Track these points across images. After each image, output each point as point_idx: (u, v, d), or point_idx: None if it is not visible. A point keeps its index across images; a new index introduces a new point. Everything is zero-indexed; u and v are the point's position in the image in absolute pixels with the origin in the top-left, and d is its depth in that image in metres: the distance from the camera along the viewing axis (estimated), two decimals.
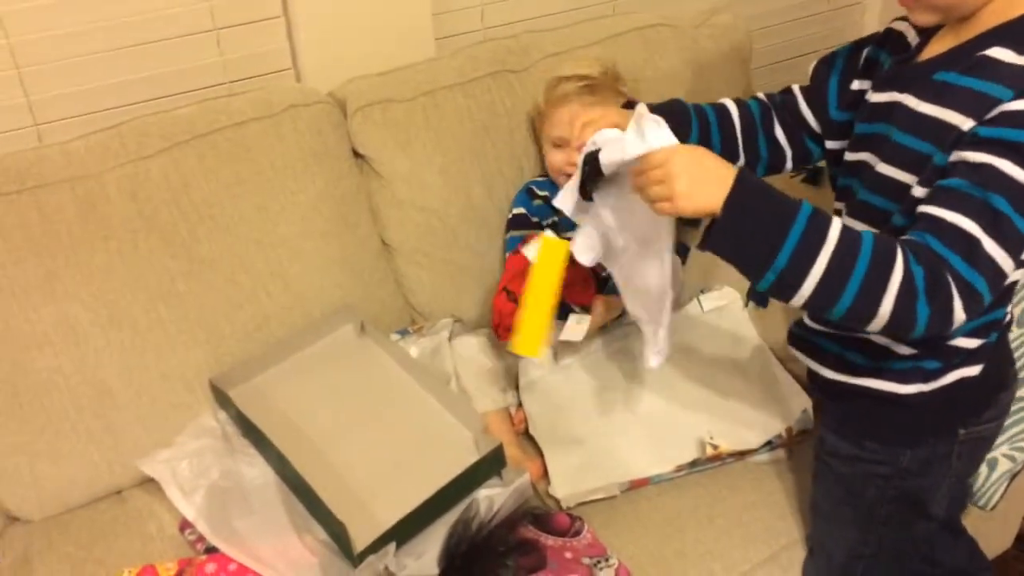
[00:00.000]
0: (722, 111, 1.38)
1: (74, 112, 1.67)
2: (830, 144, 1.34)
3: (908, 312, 1.01)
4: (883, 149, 1.17)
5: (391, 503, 1.32)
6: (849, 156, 1.25)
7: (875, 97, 1.20)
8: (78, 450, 1.46)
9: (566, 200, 1.30)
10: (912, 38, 1.20)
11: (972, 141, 1.03)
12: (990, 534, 1.63)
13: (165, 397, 1.50)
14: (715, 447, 1.51)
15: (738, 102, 1.40)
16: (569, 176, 1.59)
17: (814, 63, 1.38)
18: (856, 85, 1.28)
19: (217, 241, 1.53)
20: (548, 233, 1.35)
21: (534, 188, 1.72)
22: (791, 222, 1.01)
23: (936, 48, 1.14)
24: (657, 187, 1.06)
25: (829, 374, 1.31)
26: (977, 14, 1.08)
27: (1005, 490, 1.50)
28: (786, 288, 1.04)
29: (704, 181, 1.04)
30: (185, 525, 1.40)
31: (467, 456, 1.39)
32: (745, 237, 1.04)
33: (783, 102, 1.39)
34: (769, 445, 1.53)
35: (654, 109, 1.20)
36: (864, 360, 1.26)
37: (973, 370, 1.23)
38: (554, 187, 1.70)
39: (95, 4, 1.61)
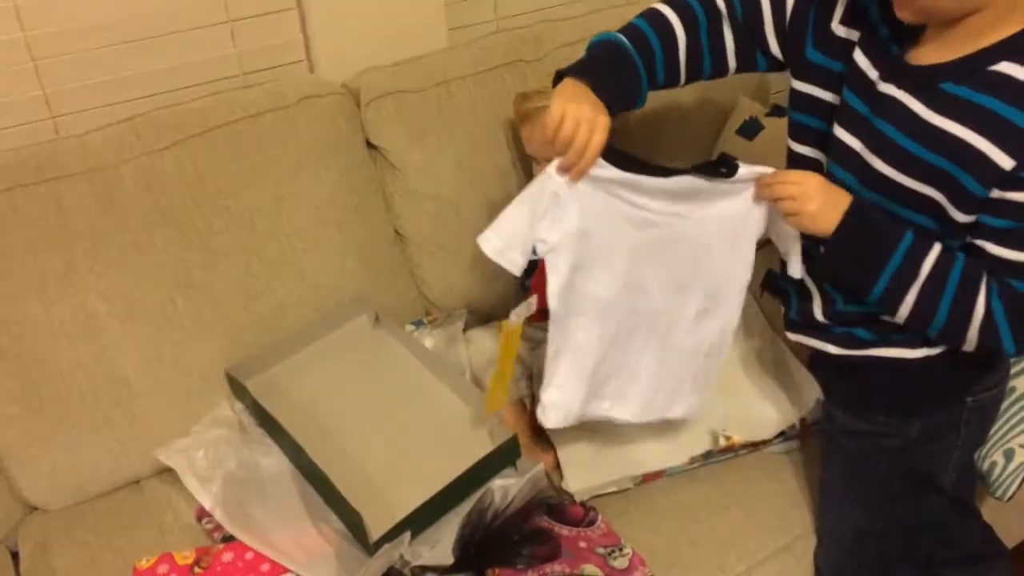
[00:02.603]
0: (668, 40, 1.28)
1: (90, 104, 1.67)
2: (800, 86, 1.27)
3: (993, 340, 1.14)
4: (881, 146, 1.15)
5: (406, 492, 1.33)
6: (838, 133, 1.21)
7: (879, 85, 1.16)
8: (96, 440, 1.48)
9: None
10: None
11: (1017, 180, 1.06)
12: (1008, 524, 1.62)
13: (182, 387, 1.51)
14: (728, 438, 1.51)
15: (687, 22, 1.28)
16: None
17: None
18: (840, 31, 1.21)
19: (233, 232, 1.54)
20: (512, 318, 1.32)
21: None
22: (888, 257, 1.14)
23: (934, 51, 1.11)
24: (790, 202, 1.18)
25: (836, 350, 1.32)
26: (971, 22, 1.06)
27: (1023, 481, 1.49)
28: (887, 312, 1.21)
29: (832, 207, 1.16)
30: (202, 514, 1.41)
31: (482, 446, 1.40)
32: (847, 267, 1.21)
33: (744, 18, 1.28)
34: (783, 436, 1.53)
35: (595, 59, 1.25)
36: (870, 334, 1.27)
37: None
38: None
39: None
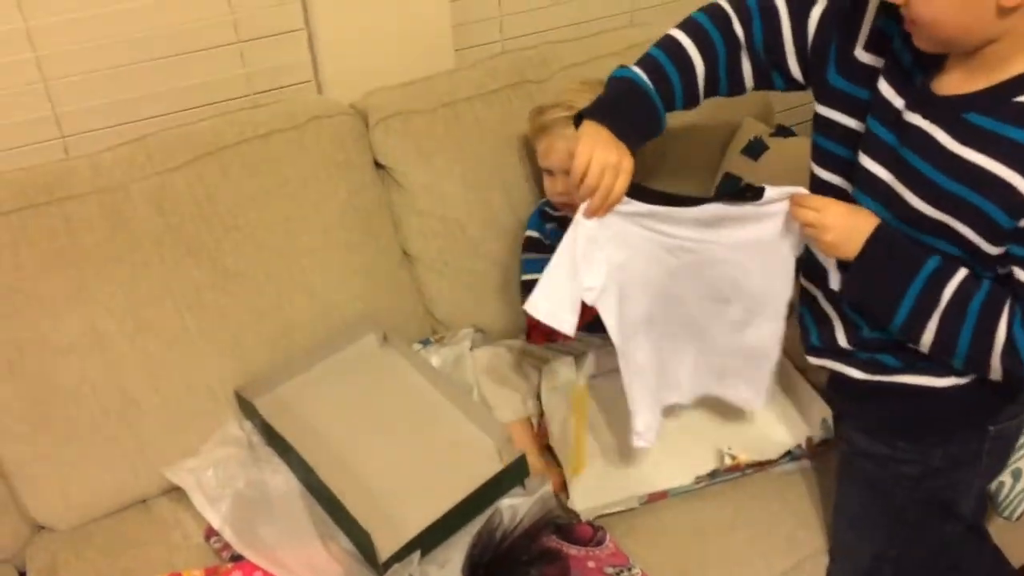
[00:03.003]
0: (686, 69, 1.29)
1: (100, 124, 1.68)
2: (823, 110, 1.26)
3: (1016, 368, 1.13)
4: (909, 177, 1.15)
5: (415, 512, 1.33)
6: (865, 162, 1.20)
7: (904, 114, 1.15)
8: (104, 459, 1.48)
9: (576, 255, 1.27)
10: None
11: None
12: (1013, 545, 1.62)
13: (190, 406, 1.51)
14: (734, 458, 1.51)
15: (705, 50, 1.28)
16: (562, 205, 1.63)
17: (817, 9, 1.24)
18: (864, 58, 1.20)
19: (242, 252, 1.55)
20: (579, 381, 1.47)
21: (547, 209, 1.72)
22: (909, 283, 1.15)
23: (959, 81, 1.11)
24: (810, 228, 1.21)
25: (861, 376, 1.31)
26: (992, 51, 1.07)
27: None
28: (912, 341, 1.20)
29: (849, 238, 1.18)
30: (211, 533, 1.41)
31: (490, 466, 1.40)
32: (869, 294, 1.22)
33: (764, 44, 1.28)
34: (789, 455, 1.53)
35: (614, 99, 1.27)
36: (897, 361, 1.27)
37: None
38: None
39: (121, 17, 1.62)
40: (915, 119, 1.13)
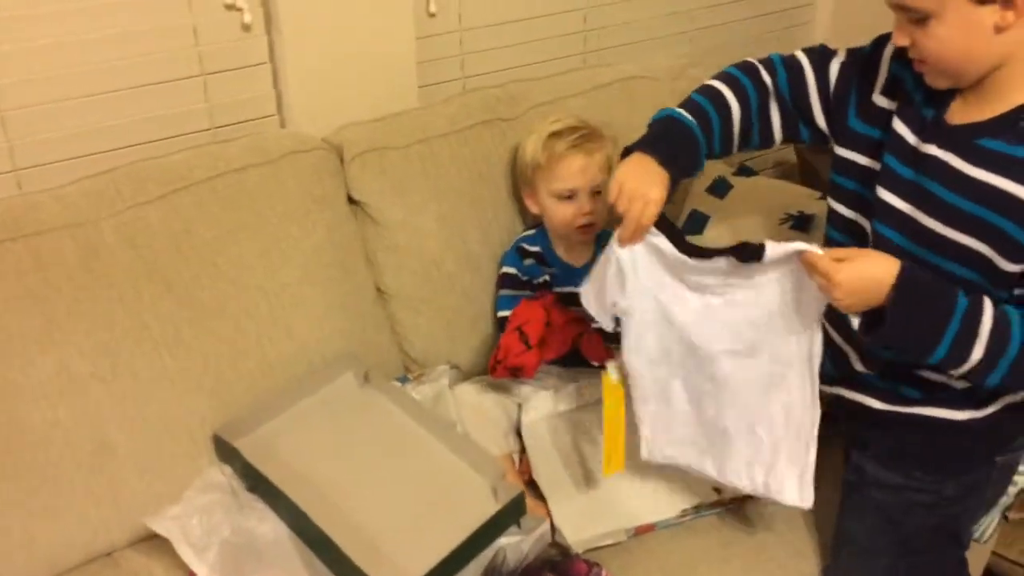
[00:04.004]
0: (725, 114, 1.37)
1: (56, 157, 1.61)
2: (841, 151, 1.36)
3: None
4: (928, 204, 1.22)
5: (415, 555, 1.29)
6: (884, 196, 1.27)
7: (919, 146, 1.24)
8: (75, 508, 1.39)
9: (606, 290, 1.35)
10: None
11: None
12: (974, 563, 1.68)
13: (167, 449, 1.44)
14: (718, 492, 1.53)
15: (739, 95, 1.38)
16: (582, 228, 1.64)
17: (837, 61, 1.36)
18: (881, 102, 1.30)
19: (220, 288, 1.50)
20: (612, 374, 1.42)
21: (525, 246, 1.72)
22: (946, 325, 1.15)
23: (970, 109, 1.20)
24: (824, 292, 1.18)
25: (880, 406, 1.35)
26: (998, 78, 1.16)
27: (998, 522, 1.56)
28: (945, 371, 1.23)
29: (867, 293, 1.16)
30: None
31: (486, 504, 1.38)
32: (904, 344, 1.20)
33: (790, 94, 1.38)
34: None
35: (659, 134, 1.32)
36: (918, 392, 1.31)
37: (1018, 396, 1.31)
38: (546, 240, 1.72)
39: (82, 48, 1.57)
40: (931, 149, 1.22)
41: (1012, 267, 1.17)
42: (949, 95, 1.22)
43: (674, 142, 1.32)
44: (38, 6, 1.51)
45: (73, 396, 1.38)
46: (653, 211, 1.24)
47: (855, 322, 1.22)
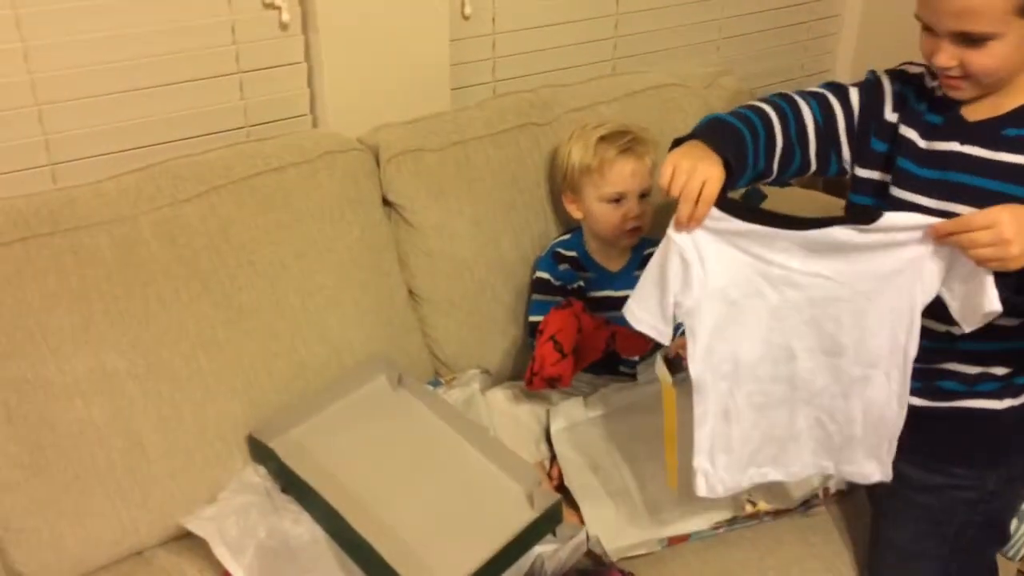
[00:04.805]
0: (768, 128, 1.36)
1: (90, 152, 1.61)
2: (864, 172, 1.38)
3: None
4: (959, 195, 1.25)
5: (452, 560, 1.28)
6: (900, 194, 1.32)
7: (934, 145, 1.29)
8: (106, 507, 1.38)
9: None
10: (935, 87, 1.33)
11: None
12: None
13: (199, 450, 1.43)
14: (753, 504, 1.52)
15: (780, 116, 1.37)
16: (630, 232, 1.64)
17: (855, 92, 1.39)
18: (892, 117, 1.35)
19: (257, 289, 1.48)
20: (664, 375, 1.34)
21: (561, 250, 1.72)
22: None
23: (980, 109, 1.27)
24: (987, 249, 1.10)
25: (920, 402, 1.34)
26: (1016, 81, 1.24)
27: None
28: None
29: None
30: None
31: (523, 511, 1.37)
32: None
33: (825, 124, 1.39)
34: (806, 504, 1.54)
35: (708, 127, 1.30)
36: (957, 385, 1.32)
37: None
38: (582, 244, 1.72)
39: (119, 43, 1.57)
40: (952, 146, 1.27)
41: None
42: (955, 100, 1.27)
43: (725, 136, 1.28)
44: (76, 1, 1.50)
45: (107, 395, 1.37)
46: (713, 187, 1.17)
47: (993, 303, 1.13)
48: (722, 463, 1.31)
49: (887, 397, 1.26)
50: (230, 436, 1.45)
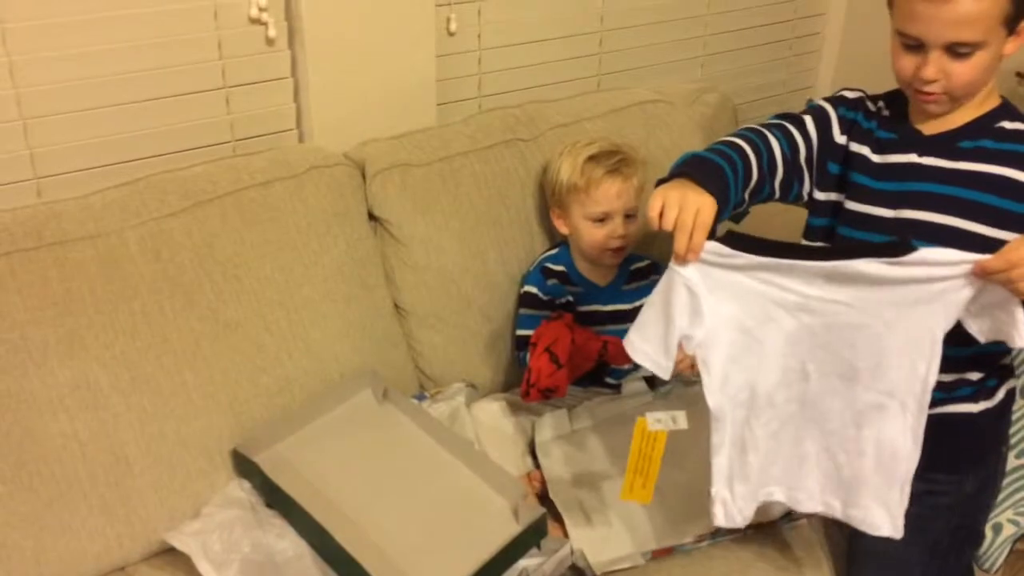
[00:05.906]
0: (746, 161, 1.36)
1: (76, 166, 1.60)
2: (822, 195, 1.43)
3: None
4: (913, 202, 1.32)
5: (437, 575, 1.28)
6: (855, 207, 1.37)
7: (889, 158, 1.36)
8: (89, 522, 1.37)
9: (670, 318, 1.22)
10: (880, 107, 1.41)
11: None
12: None
13: (183, 465, 1.43)
14: None
15: (753, 148, 1.38)
16: (614, 251, 1.65)
17: (810, 121, 1.43)
18: (841, 139, 1.41)
19: (243, 303, 1.49)
20: (651, 424, 1.27)
21: (549, 265, 1.73)
22: None
23: (937, 124, 1.33)
24: None
25: None
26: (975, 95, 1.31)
27: (1008, 553, 1.57)
28: None
29: None
30: None
31: (508, 525, 1.37)
32: None
33: (791, 157, 1.41)
34: (788, 517, 1.55)
35: (690, 164, 1.30)
36: (937, 393, 1.30)
37: (1013, 382, 1.41)
38: (569, 258, 1.73)
39: (105, 58, 1.57)
40: (910, 158, 1.34)
41: (1001, 233, 1.25)
42: (906, 117, 1.36)
43: (707, 172, 1.29)
44: (62, 16, 1.50)
45: (91, 409, 1.37)
46: (706, 215, 1.17)
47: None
48: (740, 492, 1.31)
49: (901, 430, 1.24)
50: (214, 450, 1.45)
